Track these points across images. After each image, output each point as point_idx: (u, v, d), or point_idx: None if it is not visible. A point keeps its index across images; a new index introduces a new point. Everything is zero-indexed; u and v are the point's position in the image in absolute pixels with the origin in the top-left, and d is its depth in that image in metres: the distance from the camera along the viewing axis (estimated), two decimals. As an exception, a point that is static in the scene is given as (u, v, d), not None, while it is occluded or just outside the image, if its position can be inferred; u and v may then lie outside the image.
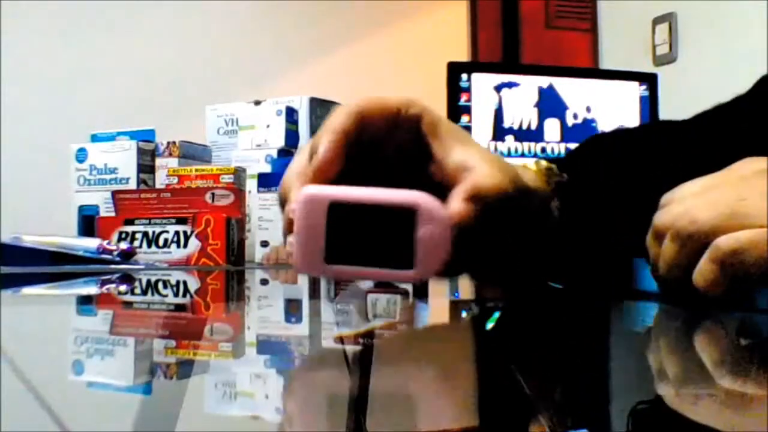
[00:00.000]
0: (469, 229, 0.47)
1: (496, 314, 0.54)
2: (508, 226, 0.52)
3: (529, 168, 0.59)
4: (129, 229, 1.14)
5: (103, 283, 0.86)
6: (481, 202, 0.48)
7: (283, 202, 0.50)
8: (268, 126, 1.35)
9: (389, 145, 0.52)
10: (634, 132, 0.73)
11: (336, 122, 0.50)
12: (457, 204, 0.47)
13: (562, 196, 0.59)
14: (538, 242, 0.58)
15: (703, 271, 0.47)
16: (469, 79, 1.70)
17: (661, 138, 0.66)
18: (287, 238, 0.46)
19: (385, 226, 0.42)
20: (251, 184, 1.24)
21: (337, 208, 0.42)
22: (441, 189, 0.49)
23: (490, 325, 0.49)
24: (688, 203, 0.49)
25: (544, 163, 0.61)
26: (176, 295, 0.74)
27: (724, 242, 0.46)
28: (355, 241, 0.42)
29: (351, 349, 0.38)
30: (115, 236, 1.14)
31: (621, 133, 0.72)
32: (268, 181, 1.22)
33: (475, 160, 0.50)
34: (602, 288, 0.64)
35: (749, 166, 0.50)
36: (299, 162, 0.51)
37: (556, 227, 0.59)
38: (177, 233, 1.12)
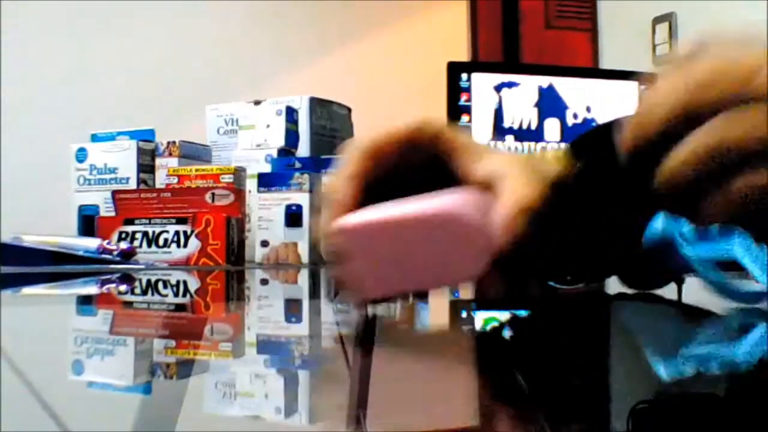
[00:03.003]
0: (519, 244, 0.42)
1: (493, 321, 0.54)
2: (551, 230, 0.46)
3: (540, 158, 0.56)
4: (129, 228, 1.14)
5: (103, 283, 0.86)
6: (527, 213, 0.43)
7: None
8: (268, 126, 1.35)
9: (406, 170, 0.49)
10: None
11: (349, 168, 0.47)
12: (502, 220, 0.42)
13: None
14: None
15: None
16: (469, 79, 1.70)
17: None
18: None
19: None
20: (251, 184, 1.24)
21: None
22: None
23: (488, 327, 0.49)
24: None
25: (550, 153, 0.58)
26: (176, 295, 0.74)
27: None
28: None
29: (351, 348, 0.38)
30: (115, 236, 1.14)
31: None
32: (268, 181, 1.22)
33: (505, 167, 0.45)
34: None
35: None
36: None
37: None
38: (177, 233, 1.12)
